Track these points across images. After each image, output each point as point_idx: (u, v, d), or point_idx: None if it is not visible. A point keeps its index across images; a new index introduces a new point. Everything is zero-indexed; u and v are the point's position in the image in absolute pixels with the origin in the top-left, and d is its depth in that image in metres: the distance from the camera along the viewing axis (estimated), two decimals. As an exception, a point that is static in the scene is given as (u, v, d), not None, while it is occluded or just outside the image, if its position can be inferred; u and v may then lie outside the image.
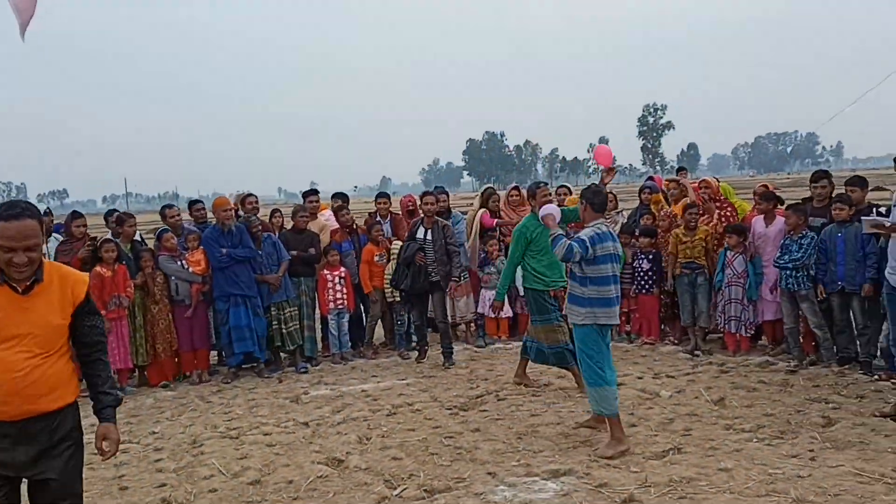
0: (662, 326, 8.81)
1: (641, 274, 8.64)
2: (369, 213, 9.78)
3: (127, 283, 7.72)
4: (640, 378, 7.15)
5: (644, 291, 8.65)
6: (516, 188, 9.95)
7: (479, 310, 9.24)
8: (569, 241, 5.24)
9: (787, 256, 7.16)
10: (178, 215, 8.98)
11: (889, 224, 5.50)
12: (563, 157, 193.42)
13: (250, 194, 8.92)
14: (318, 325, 8.95)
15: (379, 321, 9.14)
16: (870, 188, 7.72)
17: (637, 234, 8.80)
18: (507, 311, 9.16)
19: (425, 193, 8.75)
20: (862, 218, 6.19)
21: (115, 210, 9.10)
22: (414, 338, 8.88)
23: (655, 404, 6.30)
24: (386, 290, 8.78)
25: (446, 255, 8.25)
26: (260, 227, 8.34)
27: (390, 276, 8.60)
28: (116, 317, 7.64)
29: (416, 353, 8.62)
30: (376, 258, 8.79)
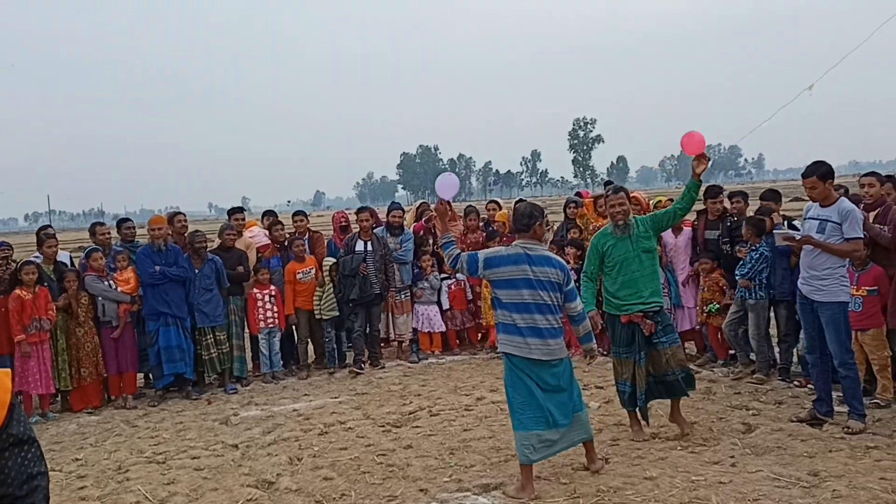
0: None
1: (572, 286, 8.78)
2: (289, 233, 9.71)
3: (48, 306, 7.49)
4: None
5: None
6: (448, 203, 9.99)
7: (413, 325, 9.26)
8: (459, 252, 5.02)
9: (743, 268, 7.35)
10: (109, 233, 8.74)
11: (799, 237, 5.73)
12: (497, 171, 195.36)
13: (179, 212, 8.78)
14: (247, 345, 8.83)
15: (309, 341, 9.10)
16: (789, 199, 8.08)
17: (564, 246, 8.96)
18: (439, 326, 9.24)
19: (361, 209, 9.24)
20: (774, 231, 6.44)
21: (48, 226, 8.82)
22: (342, 353, 9.04)
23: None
24: (315, 309, 8.74)
25: (384, 266, 8.77)
26: (204, 243, 8.24)
27: (320, 295, 8.64)
28: (38, 340, 7.41)
29: (352, 366, 8.73)
30: (299, 275, 8.73)
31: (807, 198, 6.03)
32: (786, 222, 7.22)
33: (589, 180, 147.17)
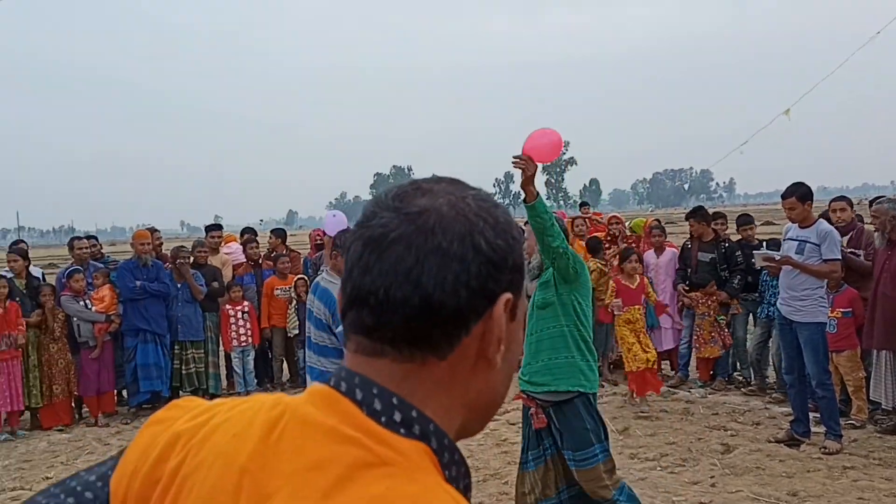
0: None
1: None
2: (268, 249, 9.68)
3: (19, 321, 7.34)
4: (548, 410, 7.25)
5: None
6: None
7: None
8: None
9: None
10: (87, 248, 8.52)
11: (779, 258, 5.81)
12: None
13: (154, 229, 8.69)
14: (222, 362, 8.73)
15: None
16: (761, 223, 8.22)
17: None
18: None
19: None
20: (754, 253, 6.53)
21: (21, 241, 8.65)
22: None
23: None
24: (288, 326, 8.68)
25: None
26: (190, 260, 8.20)
27: (291, 314, 8.62)
28: (8, 357, 7.25)
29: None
30: (277, 292, 8.68)
31: (777, 222, 6.13)
32: (764, 244, 7.32)
33: (562, 202, 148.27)
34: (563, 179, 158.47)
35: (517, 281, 0.76)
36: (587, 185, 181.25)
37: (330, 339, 4.16)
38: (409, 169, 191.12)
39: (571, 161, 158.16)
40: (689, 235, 8.28)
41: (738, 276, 7.62)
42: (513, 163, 3.80)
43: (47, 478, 6.03)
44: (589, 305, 4.08)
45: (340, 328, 3.69)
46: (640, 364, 7.06)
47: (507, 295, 0.74)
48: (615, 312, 7.37)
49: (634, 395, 7.18)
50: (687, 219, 8.27)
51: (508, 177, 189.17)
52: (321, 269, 4.57)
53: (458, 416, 0.76)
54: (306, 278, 8.66)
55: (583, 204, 12.03)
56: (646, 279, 7.75)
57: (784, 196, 5.80)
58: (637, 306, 7.34)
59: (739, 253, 7.71)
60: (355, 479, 0.66)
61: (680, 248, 8.34)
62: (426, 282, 0.70)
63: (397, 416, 0.71)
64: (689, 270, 8.02)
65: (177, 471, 0.76)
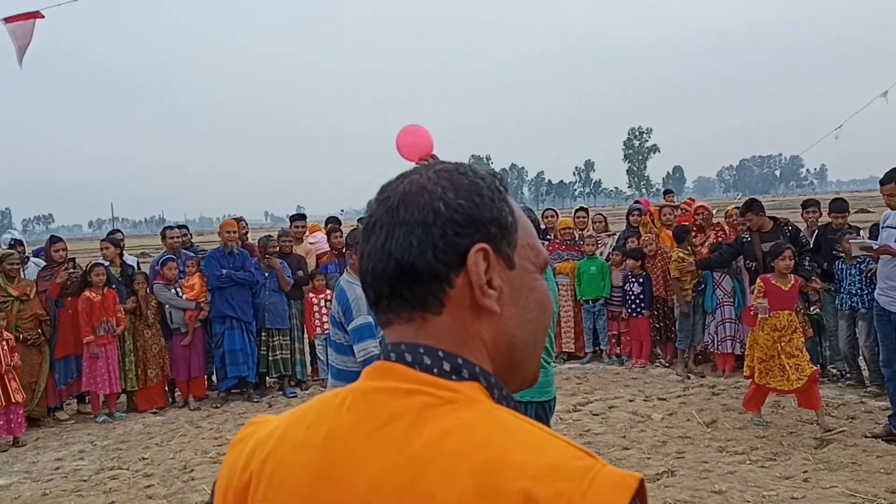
0: (654, 349, 8.84)
1: (633, 297, 8.68)
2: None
3: (117, 308, 7.67)
4: (631, 401, 7.15)
5: (635, 314, 8.69)
6: (583, 209, 10.04)
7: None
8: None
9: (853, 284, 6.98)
10: (179, 237, 8.82)
11: (877, 247, 5.55)
12: (549, 181, 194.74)
13: (240, 219, 8.93)
14: (307, 349, 8.92)
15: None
16: (855, 210, 7.86)
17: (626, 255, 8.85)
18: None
19: None
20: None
21: (117, 230, 9.02)
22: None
23: (647, 427, 6.31)
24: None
25: None
26: (277, 250, 8.44)
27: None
28: (106, 342, 7.59)
29: None
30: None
31: (873, 209, 5.86)
32: (860, 231, 7.00)
33: (644, 190, 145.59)
34: (645, 167, 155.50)
35: (497, 233, 0.83)
36: (670, 172, 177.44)
37: (344, 338, 4.12)
38: (489, 158, 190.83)
39: (654, 148, 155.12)
40: (747, 230, 7.79)
41: (808, 258, 7.20)
42: None
43: (143, 458, 6.28)
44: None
45: (351, 325, 3.77)
46: (801, 379, 5.92)
47: (480, 245, 0.81)
48: (759, 315, 6.24)
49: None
50: (742, 214, 7.81)
51: (589, 165, 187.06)
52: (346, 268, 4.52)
53: (487, 361, 0.84)
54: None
55: (667, 192, 11.76)
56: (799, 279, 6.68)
57: (882, 182, 5.55)
58: (787, 311, 6.11)
59: (804, 234, 7.47)
60: (427, 419, 0.76)
61: (735, 244, 7.80)
62: (395, 250, 0.81)
63: (446, 366, 0.80)
64: (756, 265, 7.51)
65: (261, 469, 0.83)
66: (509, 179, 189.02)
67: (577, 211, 10.03)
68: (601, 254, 9.06)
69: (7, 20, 5.15)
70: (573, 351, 9.10)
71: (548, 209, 10.39)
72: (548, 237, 9.54)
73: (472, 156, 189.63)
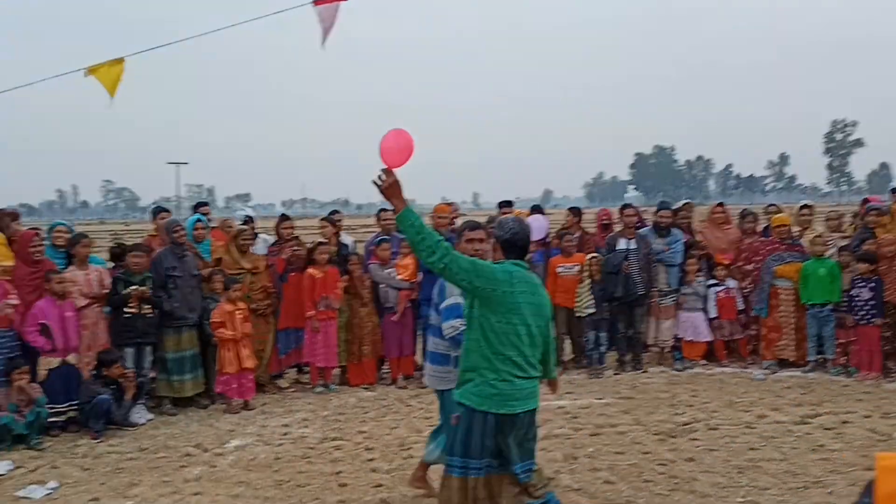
0: (885, 361, 8.09)
1: (861, 303, 7.99)
2: (562, 227, 9.63)
3: (336, 285, 8.03)
4: (867, 417, 6.57)
5: (865, 322, 7.99)
6: (721, 205, 9.52)
7: (677, 332, 8.90)
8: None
9: None
10: (393, 219, 9.13)
11: None
12: (738, 174, 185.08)
13: (451, 203, 9.11)
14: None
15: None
16: None
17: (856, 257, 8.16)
18: (704, 335, 8.80)
19: (625, 206, 9.33)
20: None
21: (336, 210, 9.54)
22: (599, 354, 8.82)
23: (890, 447, 5.77)
24: (579, 306, 8.63)
25: (647, 266, 8.67)
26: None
27: (581, 293, 8.54)
28: (325, 317, 7.96)
29: (616, 366, 8.83)
30: (560, 269, 8.67)
31: None
32: None
33: (844, 188, 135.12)
34: (847, 163, 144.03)
35: None
36: (876, 169, 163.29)
37: (437, 319, 4.52)
38: (672, 149, 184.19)
39: (858, 142, 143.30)
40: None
41: None
42: (373, 182, 3.66)
43: (361, 431, 6.53)
44: (502, 320, 3.66)
45: (442, 304, 4.39)
46: None
47: None
48: None
49: None
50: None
51: (784, 159, 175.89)
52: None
53: None
54: (599, 257, 8.64)
55: (894, 190, 10.72)
56: None
57: None
58: None
59: None
60: None
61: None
62: None
63: None
64: None
65: None
66: (694, 171, 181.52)
67: (801, 207, 9.32)
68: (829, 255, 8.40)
69: (316, 2, 5.51)
70: (793, 359, 8.48)
71: (771, 205, 9.72)
72: (767, 235, 8.97)
73: (656, 146, 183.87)
